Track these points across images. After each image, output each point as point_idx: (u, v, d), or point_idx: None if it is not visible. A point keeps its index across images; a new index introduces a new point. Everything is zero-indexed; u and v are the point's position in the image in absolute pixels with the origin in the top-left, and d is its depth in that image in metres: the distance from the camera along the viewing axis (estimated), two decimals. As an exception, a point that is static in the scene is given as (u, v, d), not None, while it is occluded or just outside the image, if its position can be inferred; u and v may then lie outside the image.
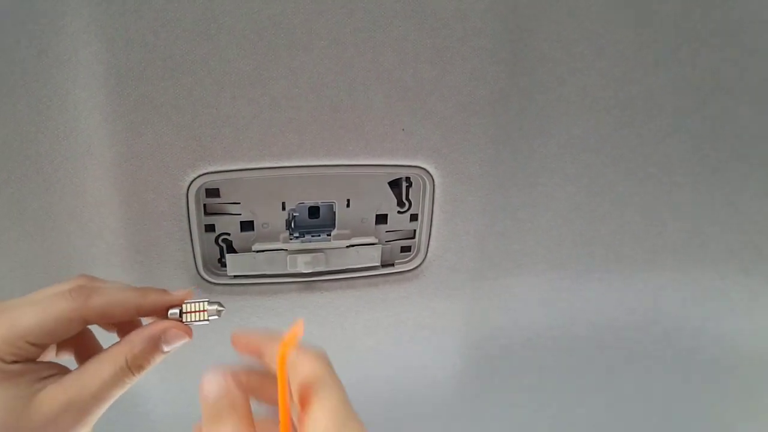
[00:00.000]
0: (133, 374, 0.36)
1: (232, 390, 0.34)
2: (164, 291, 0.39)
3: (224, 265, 0.53)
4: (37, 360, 0.35)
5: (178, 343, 0.38)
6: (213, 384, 0.34)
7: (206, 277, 0.52)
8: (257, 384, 0.36)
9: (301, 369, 0.34)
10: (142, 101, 0.43)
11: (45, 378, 0.34)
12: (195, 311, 0.38)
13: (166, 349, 0.37)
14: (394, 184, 0.54)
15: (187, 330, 0.38)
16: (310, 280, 0.55)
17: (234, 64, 0.43)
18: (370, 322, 0.59)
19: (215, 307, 0.38)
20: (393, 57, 0.45)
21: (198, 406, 0.40)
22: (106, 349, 0.37)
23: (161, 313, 0.38)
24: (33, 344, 0.34)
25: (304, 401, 0.33)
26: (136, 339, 0.36)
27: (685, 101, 0.54)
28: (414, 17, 0.44)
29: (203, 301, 0.38)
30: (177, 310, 0.38)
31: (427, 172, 0.51)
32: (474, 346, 0.67)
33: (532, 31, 0.47)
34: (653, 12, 0.49)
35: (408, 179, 0.53)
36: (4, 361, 0.34)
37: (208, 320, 0.38)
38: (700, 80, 0.53)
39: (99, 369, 0.35)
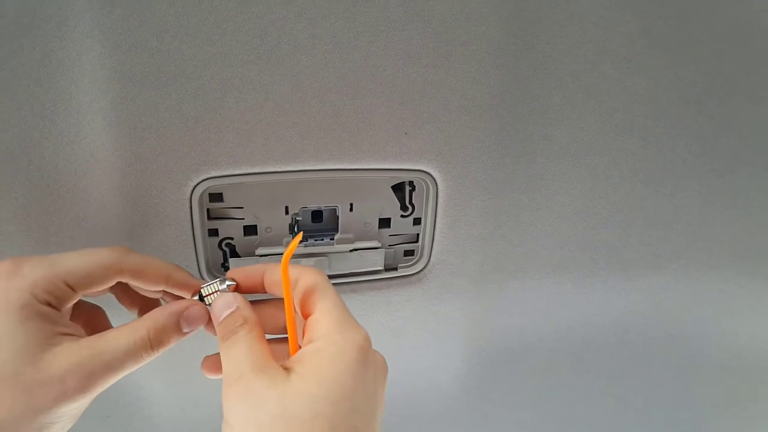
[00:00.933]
0: (152, 349, 0.36)
1: (243, 308, 0.37)
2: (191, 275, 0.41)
3: (228, 269, 0.53)
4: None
5: (198, 325, 0.39)
6: (223, 304, 0.37)
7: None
8: (261, 313, 0.39)
9: (301, 283, 0.38)
10: (145, 106, 0.43)
11: (64, 334, 0.34)
12: (212, 293, 0.40)
13: (185, 329, 0.38)
14: (397, 188, 0.54)
15: (207, 311, 0.39)
16: (313, 284, 0.55)
17: (237, 68, 0.43)
18: (374, 325, 0.59)
19: (227, 283, 0.40)
20: (396, 61, 0.45)
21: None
22: (128, 323, 0.37)
23: (186, 292, 0.40)
24: (69, 286, 0.35)
25: (305, 309, 0.37)
26: (159, 314, 0.37)
27: (688, 104, 0.54)
28: (417, 21, 0.44)
29: (215, 282, 0.40)
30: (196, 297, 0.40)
31: (430, 176, 0.51)
32: (477, 349, 0.67)
33: (535, 34, 0.47)
34: (656, 15, 0.49)
35: (411, 183, 0.53)
36: (38, 300, 0.34)
37: None
38: (704, 83, 0.53)
39: (117, 338, 0.35)
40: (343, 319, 0.35)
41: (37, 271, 0.34)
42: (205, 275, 0.52)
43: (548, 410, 0.78)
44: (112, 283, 0.38)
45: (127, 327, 0.36)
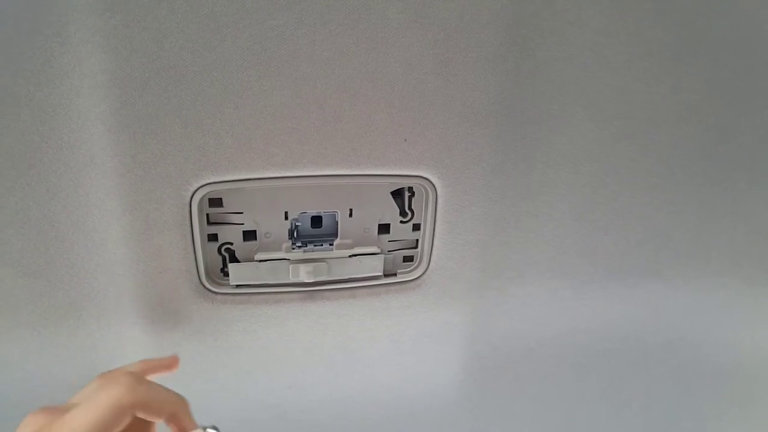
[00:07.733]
0: None
1: None
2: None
3: (227, 274, 0.53)
4: None
5: None
6: None
7: (209, 286, 0.52)
8: None
9: None
10: (145, 111, 0.43)
11: None
12: None
13: None
14: (397, 194, 0.54)
15: None
16: (312, 290, 0.55)
17: (237, 74, 0.43)
18: (372, 331, 0.59)
19: None
20: (395, 67, 0.45)
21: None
22: None
23: None
24: None
25: None
26: None
27: (688, 111, 0.54)
28: (417, 28, 0.44)
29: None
30: None
31: (430, 181, 0.51)
32: (476, 355, 0.66)
33: (535, 41, 0.47)
34: (655, 22, 0.49)
35: (410, 189, 0.53)
36: None
37: None
38: (703, 90, 0.53)
39: None
40: None
41: None
42: (204, 281, 0.52)
43: (548, 417, 0.78)
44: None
45: None
